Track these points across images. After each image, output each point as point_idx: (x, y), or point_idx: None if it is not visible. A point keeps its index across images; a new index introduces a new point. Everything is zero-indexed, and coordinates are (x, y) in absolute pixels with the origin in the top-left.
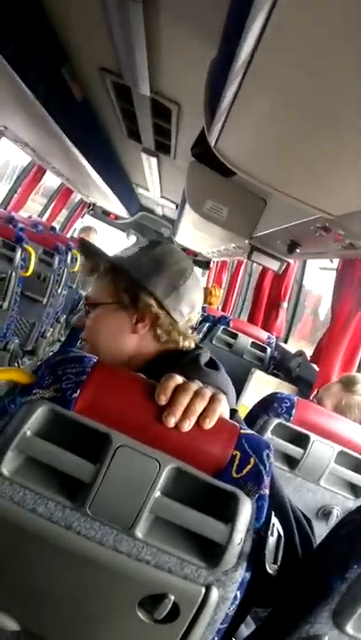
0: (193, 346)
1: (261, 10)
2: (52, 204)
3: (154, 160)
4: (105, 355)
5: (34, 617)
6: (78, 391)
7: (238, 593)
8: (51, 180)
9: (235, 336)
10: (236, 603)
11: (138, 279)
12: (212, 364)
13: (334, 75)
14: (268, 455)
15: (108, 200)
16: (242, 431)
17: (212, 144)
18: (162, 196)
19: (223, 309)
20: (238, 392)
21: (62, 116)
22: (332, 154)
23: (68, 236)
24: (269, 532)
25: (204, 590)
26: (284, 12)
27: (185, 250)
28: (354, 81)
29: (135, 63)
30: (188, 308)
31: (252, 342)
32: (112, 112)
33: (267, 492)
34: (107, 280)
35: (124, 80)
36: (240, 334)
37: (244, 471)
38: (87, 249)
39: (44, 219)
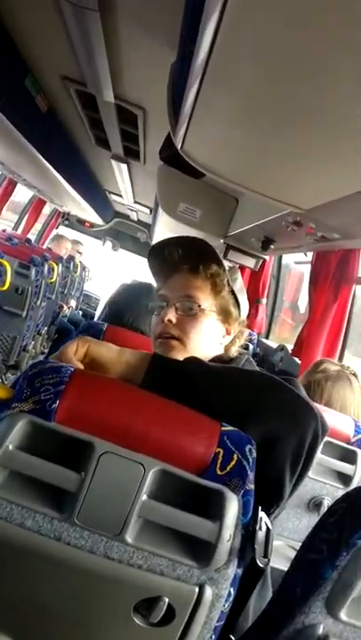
0: None
1: (214, 10)
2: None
3: (124, 166)
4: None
5: (29, 631)
6: (57, 401)
7: (232, 589)
8: (20, 195)
9: None
10: (230, 599)
11: (237, 295)
12: None
13: (291, 71)
14: (250, 450)
15: (82, 209)
16: (223, 428)
17: (179, 147)
18: (135, 202)
19: None
20: None
21: (29, 128)
22: (297, 149)
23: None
24: (257, 527)
25: (197, 590)
26: (235, 10)
27: None
28: (313, 75)
29: (97, 71)
30: None
31: None
32: (78, 121)
33: (252, 486)
34: (209, 287)
35: (88, 88)
36: None
37: (228, 468)
38: (211, 255)
39: (19, 231)
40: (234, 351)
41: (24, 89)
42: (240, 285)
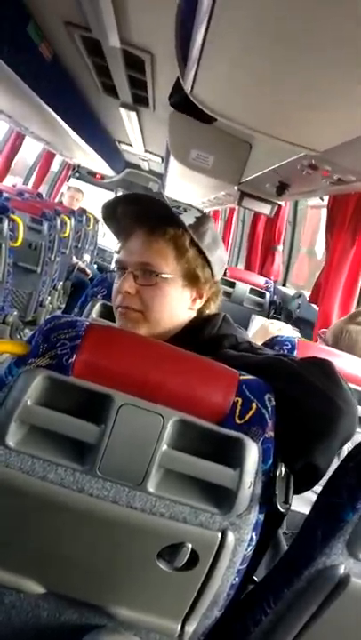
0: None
1: None
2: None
3: (133, 114)
4: (158, 327)
5: (57, 579)
6: (74, 356)
7: (254, 534)
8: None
9: (232, 284)
10: (253, 544)
11: (205, 254)
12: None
13: (303, 4)
14: (269, 399)
15: (92, 160)
16: (241, 377)
17: (189, 91)
18: (146, 151)
19: None
20: None
21: (33, 78)
22: (309, 88)
23: (56, 200)
24: (278, 473)
25: (220, 535)
26: None
27: None
28: (326, 9)
29: (101, 14)
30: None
31: (251, 289)
32: (85, 68)
33: (272, 434)
34: (171, 251)
35: (93, 33)
36: (238, 282)
37: (247, 416)
38: (166, 214)
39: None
40: (209, 311)
41: (27, 37)
42: (211, 238)
